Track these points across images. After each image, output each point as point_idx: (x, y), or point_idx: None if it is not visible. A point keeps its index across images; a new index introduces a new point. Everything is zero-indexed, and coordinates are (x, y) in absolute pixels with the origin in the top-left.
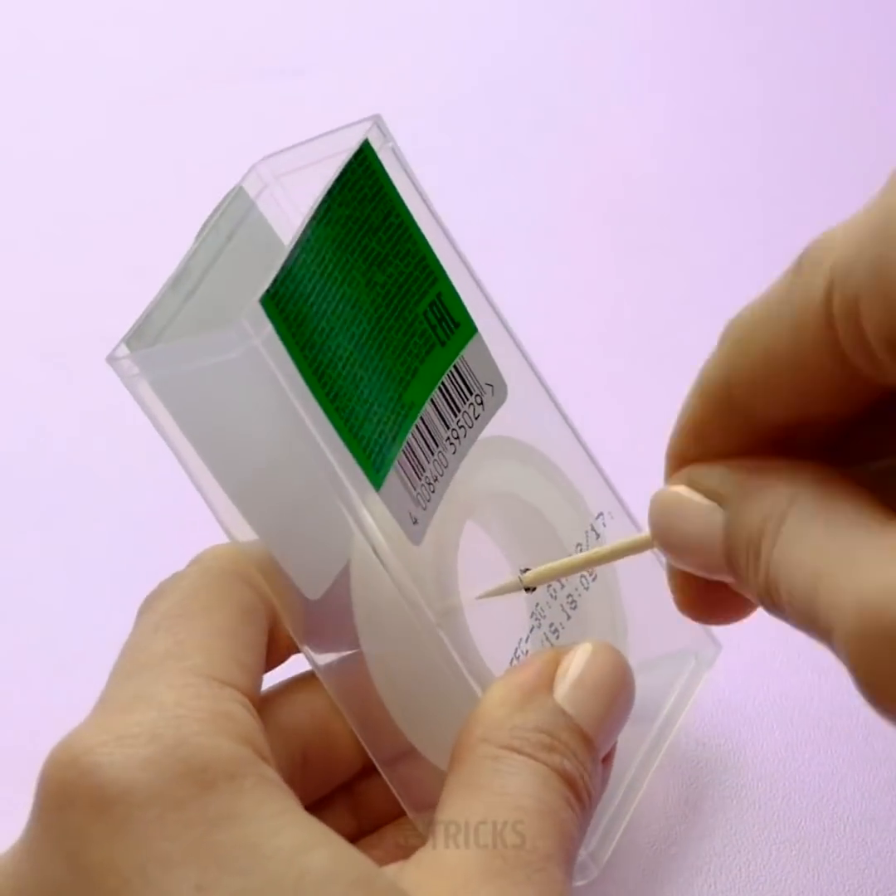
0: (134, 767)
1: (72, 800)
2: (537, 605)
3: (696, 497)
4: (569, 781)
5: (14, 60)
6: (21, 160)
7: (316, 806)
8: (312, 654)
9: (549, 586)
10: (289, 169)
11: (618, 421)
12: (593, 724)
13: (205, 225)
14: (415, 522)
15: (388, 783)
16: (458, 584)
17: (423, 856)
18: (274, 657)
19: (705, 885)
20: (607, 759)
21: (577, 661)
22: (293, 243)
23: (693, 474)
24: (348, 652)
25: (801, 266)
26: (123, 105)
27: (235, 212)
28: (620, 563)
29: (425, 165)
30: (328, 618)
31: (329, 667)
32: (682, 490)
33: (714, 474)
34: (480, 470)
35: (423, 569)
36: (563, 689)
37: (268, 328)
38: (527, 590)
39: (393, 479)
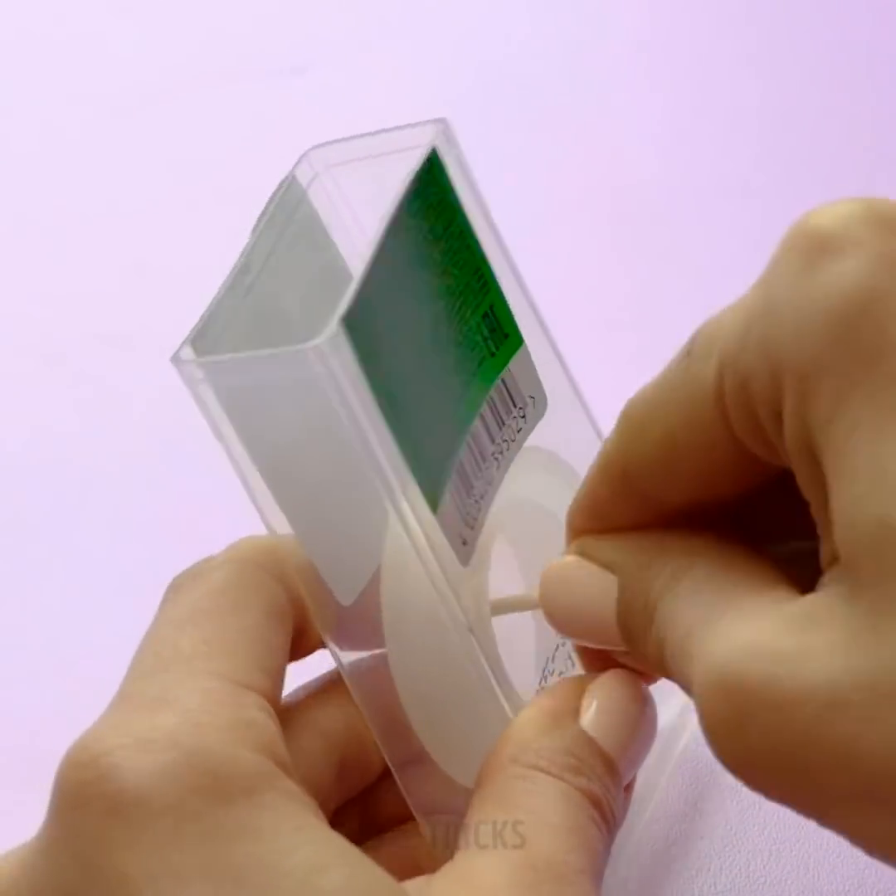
0: (153, 774)
1: (87, 801)
2: None
3: (589, 566)
4: (595, 802)
5: (16, 57)
6: (22, 157)
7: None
8: (339, 652)
9: None
10: (339, 160)
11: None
12: (617, 750)
13: (260, 217)
14: (464, 543)
15: (399, 783)
16: (488, 597)
17: (450, 868)
18: (300, 651)
19: (706, 885)
20: (628, 788)
21: (601, 690)
22: (370, 259)
23: (586, 545)
24: (374, 652)
25: (692, 351)
26: (125, 103)
27: (288, 203)
28: None
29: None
30: (358, 621)
31: (354, 666)
32: (573, 560)
33: (606, 545)
34: (511, 481)
35: (458, 579)
36: (588, 715)
37: (347, 352)
38: None
39: (447, 500)
